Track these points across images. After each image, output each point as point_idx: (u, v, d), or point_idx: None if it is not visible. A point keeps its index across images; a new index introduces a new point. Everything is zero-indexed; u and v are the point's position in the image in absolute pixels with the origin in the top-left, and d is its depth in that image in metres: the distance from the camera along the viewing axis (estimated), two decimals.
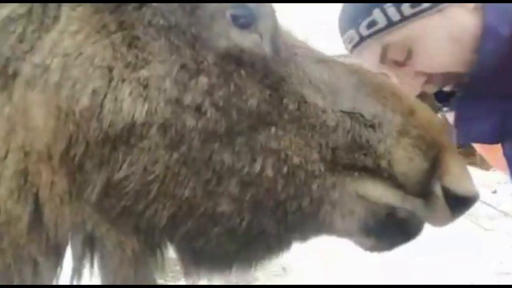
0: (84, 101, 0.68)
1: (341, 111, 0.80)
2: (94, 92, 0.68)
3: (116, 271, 0.72)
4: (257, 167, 0.73)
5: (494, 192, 4.75)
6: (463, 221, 3.67)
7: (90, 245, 0.74)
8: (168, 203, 0.71)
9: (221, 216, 0.74)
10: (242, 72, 0.76)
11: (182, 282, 2.79)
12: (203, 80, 0.72)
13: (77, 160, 0.69)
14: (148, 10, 0.73)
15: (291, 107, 0.78)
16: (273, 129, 0.76)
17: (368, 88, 0.86)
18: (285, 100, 0.77)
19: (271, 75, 0.78)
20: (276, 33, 0.82)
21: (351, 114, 0.80)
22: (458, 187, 0.83)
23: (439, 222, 0.87)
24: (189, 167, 0.71)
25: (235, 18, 0.77)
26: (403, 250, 2.85)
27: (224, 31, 0.76)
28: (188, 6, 0.75)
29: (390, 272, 2.89)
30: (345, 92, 0.83)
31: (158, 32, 0.73)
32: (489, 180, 5.19)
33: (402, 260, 3.12)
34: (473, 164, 6.14)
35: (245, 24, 0.78)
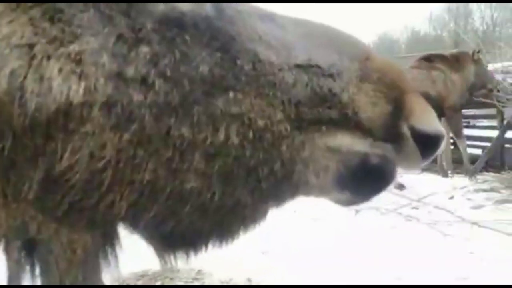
0: (2, 84, 0.59)
1: (297, 65, 0.77)
2: (12, 73, 0.59)
3: (62, 276, 0.65)
4: (221, 136, 0.68)
5: (451, 198, 4.93)
6: (422, 227, 3.79)
7: (29, 251, 0.65)
8: (126, 191, 0.63)
9: (190, 194, 0.68)
10: (186, 36, 0.70)
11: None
12: (144, 49, 0.66)
13: (7, 155, 0.59)
14: None
15: (246, 67, 0.73)
16: (231, 94, 0.70)
17: (320, 38, 0.83)
18: (238, 61, 0.73)
19: (218, 35, 0.73)
20: None
21: (308, 67, 0.77)
22: (424, 125, 0.82)
23: (411, 164, 0.86)
24: (145, 148, 0.64)
25: None
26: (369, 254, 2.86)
27: None
28: None
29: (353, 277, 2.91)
30: (297, 45, 0.79)
31: (85, 3, 0.65)
32: (446, 186, 5.39)
33: (366, 264, 3.16)
34: (434, 171, 6.37)
35: None
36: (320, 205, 4.88)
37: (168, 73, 0.66)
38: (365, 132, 0.79)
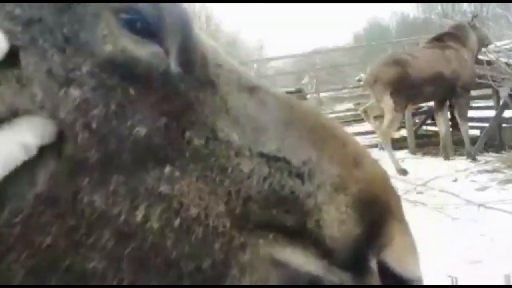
0: None
1: (262, 153, 0.64)
2: None
3: None
4: (139, 215, 0.57)
5: (455, 180, 4.93)
6: (429, 212, 3.78)
7: None
8: (25, 253, 0.54)
9: (92, 274, 0.57)
10: (131, 89, 0.59)
11: None
12: (73, 92, 0.56)
13: None
14: None
15: (196, 142, 0.61)
16: (167, 168, 0.59)
17: (303, 128, 0.70)
18: (188, 133, 0.61)
19: (173, 98, 0.61)
20: (190, 46, 0.66)
21: (273, 158, 0.64)
22: (401, 266, 0.65)
23: None
24: (52, 207, 0.54)
25: (130, 22, 0.60)
26: None
27: (111, 35, 0.59)
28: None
29: None
30: (271, 130, 0.66)
31: (14, 24, 0.55)
32: (449, 169, 5.39)
33: None
34: (435, 154, 6.38)
35: (143, 30, 0.61)
36: None
37: (94, 125, 0.56)
38: (323, 252, 0.64)
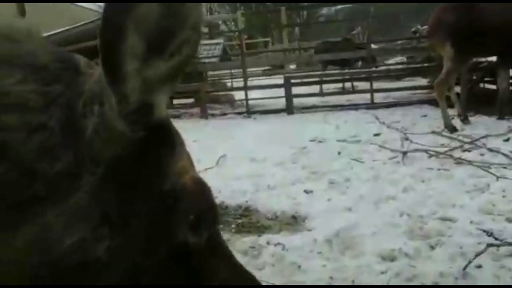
0: None
1: None
2: None
3: None
4: None
5: (507, 140, 4.68)
6: (475, 170, 3.64)
7: None
8: None
9: None
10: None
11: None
12: None
13: None
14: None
15: None
16: None
17: None
18: None
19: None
20: None
21: None
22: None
23: None
24: None
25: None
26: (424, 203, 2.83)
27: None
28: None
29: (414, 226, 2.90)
30: None
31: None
32: (501, 128, 5.11)
33: (418, 209, 3.13)
34: (489, 113, 6.03)
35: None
36: (363, 148, 4.83)
37: None
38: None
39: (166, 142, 0.59)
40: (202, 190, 0.63)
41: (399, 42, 12.83)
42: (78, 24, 9.74)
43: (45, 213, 0.48)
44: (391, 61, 14.33)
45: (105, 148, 0.51)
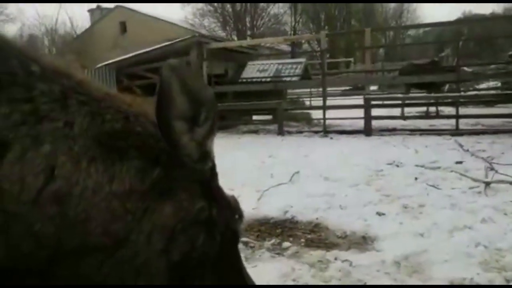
0: None
1: None
2: None
3: None
4: None
5: None
6: None
7: None
8: None
9: None
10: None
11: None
12: None
13: None
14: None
15: None
16: None
17: None
18: None
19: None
20: None
21: None
22: None
23: None
24: None
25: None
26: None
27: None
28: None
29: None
30: None
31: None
32: None
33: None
34: None
35: None
36: (443, 175, 4.64)
37: None
38: None
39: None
40: None
41: (493, 66, 12.04)
42: (172, 42, 10.63)
43: None
44: (483, 85, 13.47)
45: None
